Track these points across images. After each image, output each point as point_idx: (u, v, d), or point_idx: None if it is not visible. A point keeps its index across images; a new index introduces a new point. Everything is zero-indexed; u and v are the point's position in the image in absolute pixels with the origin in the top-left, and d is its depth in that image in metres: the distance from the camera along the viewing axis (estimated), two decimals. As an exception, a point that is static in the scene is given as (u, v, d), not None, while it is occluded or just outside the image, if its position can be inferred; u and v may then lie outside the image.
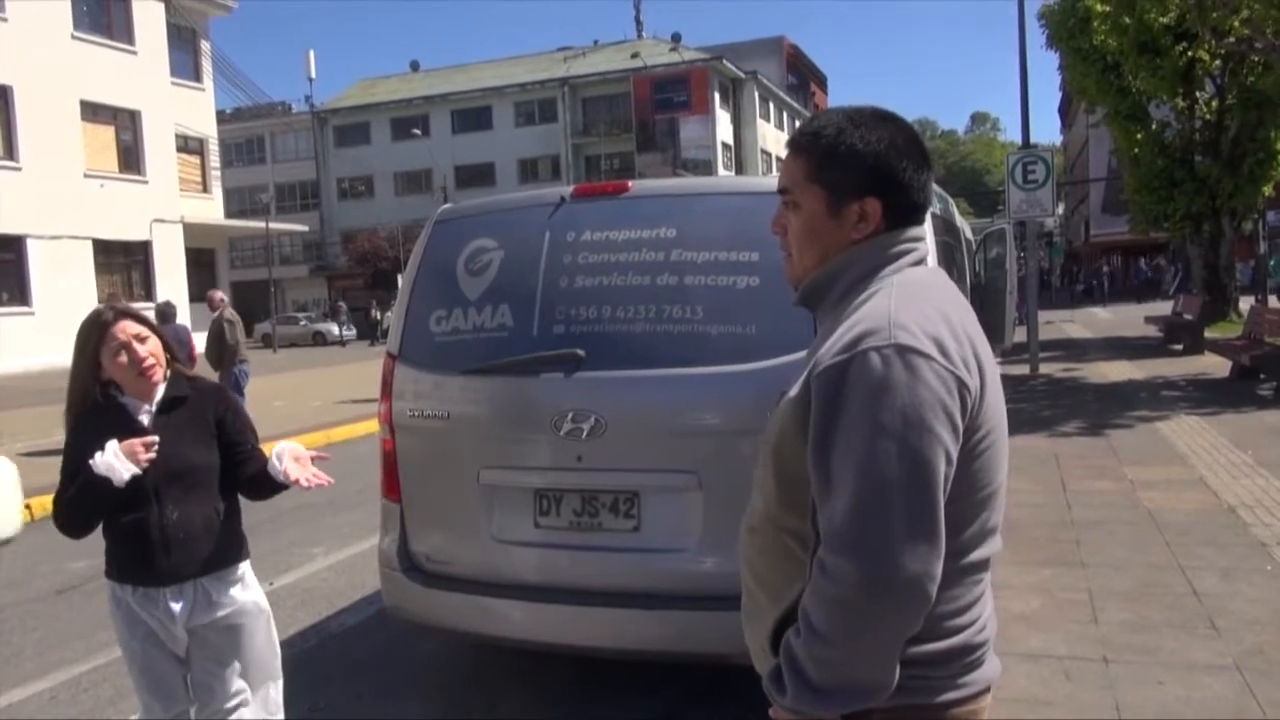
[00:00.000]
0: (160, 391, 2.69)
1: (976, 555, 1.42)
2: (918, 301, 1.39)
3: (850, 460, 1.29)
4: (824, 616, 1.29)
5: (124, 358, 2.60)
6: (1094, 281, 41.50)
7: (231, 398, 2.89)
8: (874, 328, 1.34)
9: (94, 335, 2.62)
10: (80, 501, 2.57)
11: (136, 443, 2.49)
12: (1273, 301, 20.43)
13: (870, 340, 1.32)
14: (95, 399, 2.64)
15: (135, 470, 2.48)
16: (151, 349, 2.64)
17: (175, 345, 2.82)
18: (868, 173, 1.46)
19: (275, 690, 2.87)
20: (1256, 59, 16.42)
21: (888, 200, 1.47)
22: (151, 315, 3.04)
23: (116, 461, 2.46)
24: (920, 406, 1.29)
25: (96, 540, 2.71)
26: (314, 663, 4.35)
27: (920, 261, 1.51)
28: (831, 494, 1.30)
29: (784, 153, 1.59)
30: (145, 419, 2.65)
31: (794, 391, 1.42)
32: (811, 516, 1.37)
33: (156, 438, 2.54)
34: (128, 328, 2.62)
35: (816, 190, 1.49)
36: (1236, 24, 13.60)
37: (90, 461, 2.47)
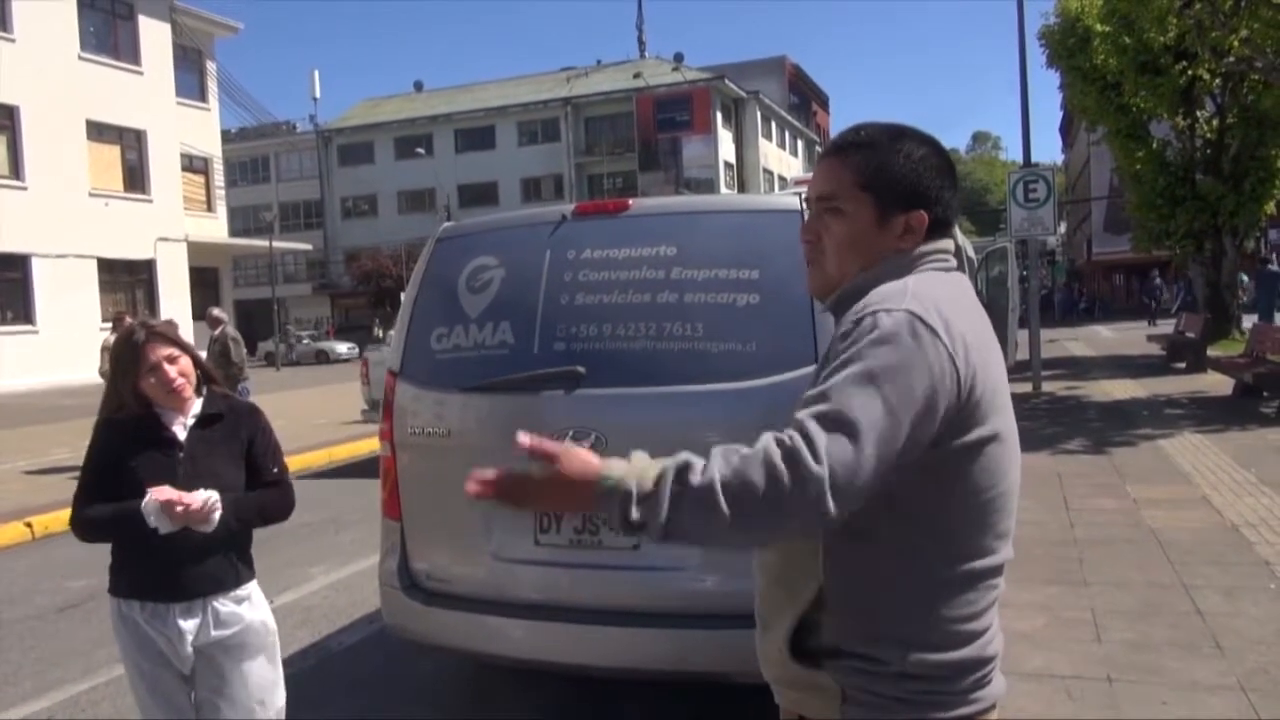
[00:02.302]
0: (197, 407, 2.72)
1: (988, 560, 1.44)
2: (935, 289, 1.44)
3: (839, 390, 1.31)
4: (745, 481, 1.33)
5: (153, 379, 2.63)
6: (1145, 299, 35.22)
7: (264, 419, 2.89)
8: (890, 294, 1.40)
9: (128, 357, 2.65)
10: (114, 529, 2.60)
11: (173, 501, 2.48)
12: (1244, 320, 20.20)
13: (885, 304, 1.38)
14: (131, 409, 2.67)
15: (173, 529, 2.49)
16: (182, 369, 2.67)
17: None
18: (917, 187, 1.50)
19: (278, 711, 2.85)
20: (1257, 78, 16.43)
21: (932, 214, 1.51)
22: None
23: (155, 519, 2.48)
24: (909, 366, 1.32)
25: (97, 559, 2.70)
26: (314, 681, 4.33)
27: (947, 269, 1.55)
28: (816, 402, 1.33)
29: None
30: (180, 432, 2.68)
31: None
32: None
33: (196, 496, 2.52)
34: (159, 349, 2.64)
35: (868, 199, 1.50)
36: (1236, 44, 13.64)
37: (143, 506, 2.48)
